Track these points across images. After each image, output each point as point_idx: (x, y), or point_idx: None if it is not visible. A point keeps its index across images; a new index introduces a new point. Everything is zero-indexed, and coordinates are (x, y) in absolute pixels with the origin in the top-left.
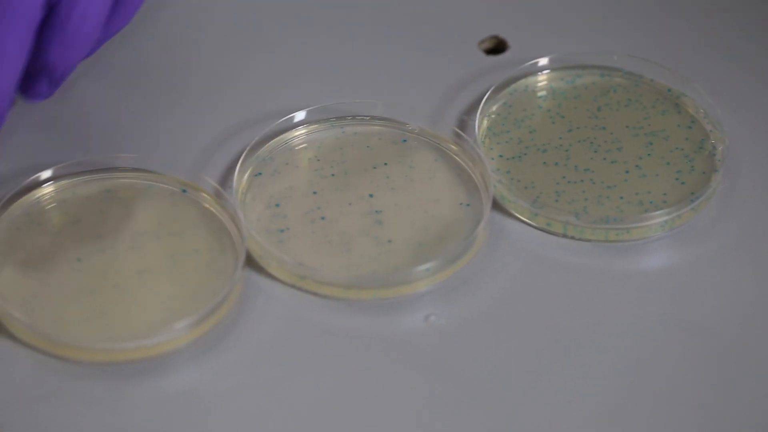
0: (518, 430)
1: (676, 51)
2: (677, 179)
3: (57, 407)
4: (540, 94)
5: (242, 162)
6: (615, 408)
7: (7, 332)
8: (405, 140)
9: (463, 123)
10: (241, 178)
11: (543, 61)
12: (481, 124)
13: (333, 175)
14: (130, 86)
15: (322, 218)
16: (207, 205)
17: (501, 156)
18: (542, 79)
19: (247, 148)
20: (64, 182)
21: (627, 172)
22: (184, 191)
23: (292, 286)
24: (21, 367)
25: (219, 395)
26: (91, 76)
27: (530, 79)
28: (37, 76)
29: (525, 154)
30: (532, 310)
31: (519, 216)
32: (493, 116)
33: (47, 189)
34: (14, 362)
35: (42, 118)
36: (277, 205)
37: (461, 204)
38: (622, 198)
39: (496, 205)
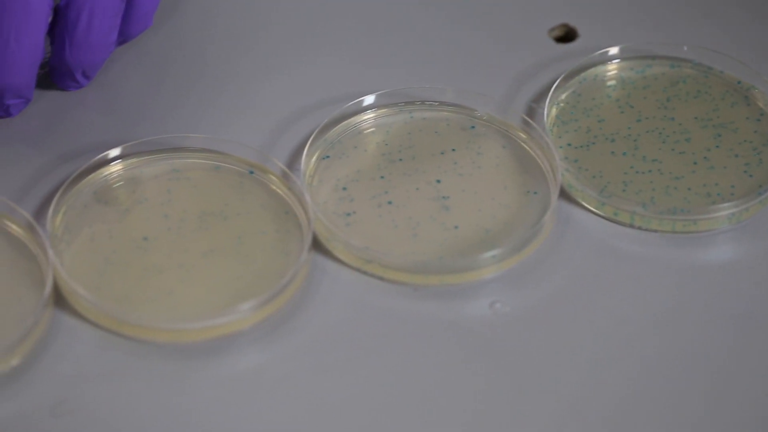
0: (580, 420)
1: (746, 43)
2: (745, 172)
3: (119, 385)
4: (609, 83)
5: (310, 144)
6: (679, 399)
7: (72, 309)
8: (473, 126)
9: (532, 111)
10: (309, 161)
11: (613, 51)
12: (549, 112)
13: (401, 159)
14: (200, 66)
15: (389, 203)
16: (274, 187)
17: (569, 145)
18: (612, 68)
19: (316, 131)
20: (132, 161)
21: (695, 163)
22: (251, 172)
23: (358, 270)
24: (85, 345)
25: (282, 377)
26: (159, 55)
27: (600, 68)
28: (62, 73)
29: (593, 144)
30: (597, 299)
31: (586, 205)
32: (561, 105)
33: (115, 167)
34: (78, 339)
35: (110, 96)
36: (344, 189)
37: (528, 192)
38: (689, 189)
39: (563, 194)
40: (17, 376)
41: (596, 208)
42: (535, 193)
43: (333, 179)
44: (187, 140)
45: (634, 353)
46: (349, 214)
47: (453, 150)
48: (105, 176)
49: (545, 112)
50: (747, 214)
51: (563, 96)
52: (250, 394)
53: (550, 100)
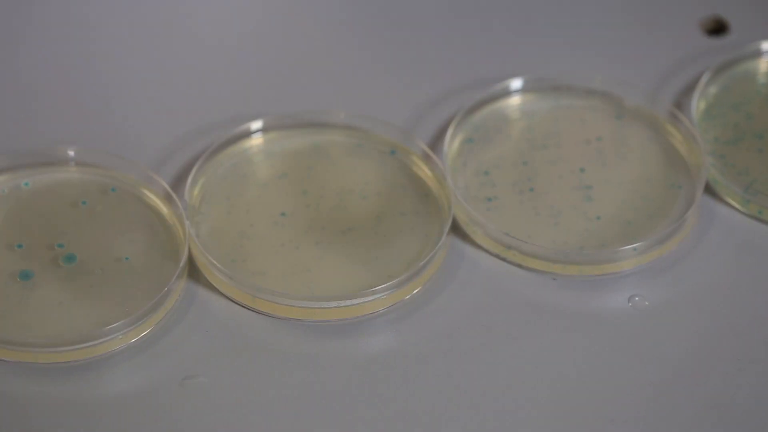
0: (718, 416)
1: None
2: None
3: (250, 361)
4: (761, 79)
5: (455, 127)
6: None
7: (206, 282)
8: (620, 116)
9: (680, 103)
10: (452, 144)
11: (766, 46)
12: (698, 105)
13: (545, 146)
14: (346, 41)
15: (531, 189)
16: (416, 168)
17: (716, 139)
18: (764, 63)
19: (461, 114)
20: (272, 135)
21: None
22: (393, 152)
23: (497, 256)
24: (217, 318)
25: (416, 361)
26: (305, 28)
27: (751, 63)
28: None
29: (741, 139)
30: (738, 297)
31: (730, 201)
32: (710, 98)
33: (256, 140)
34: (211, 312)
35: (251, 67)
36: (487, 173)
37: (672, 185)
38: None
39: (707, 189)
40: (148, 347)
41: (740, 205)
42: (680, 187)
43: (475, 163)
44: (329, 116)
45: None
46: (490, 200)
47: (598, 139)
48: (245, 149)
49: (693, 106)
50: None
51: (712, 90)
52: (383, 375)
53: (699, 93)
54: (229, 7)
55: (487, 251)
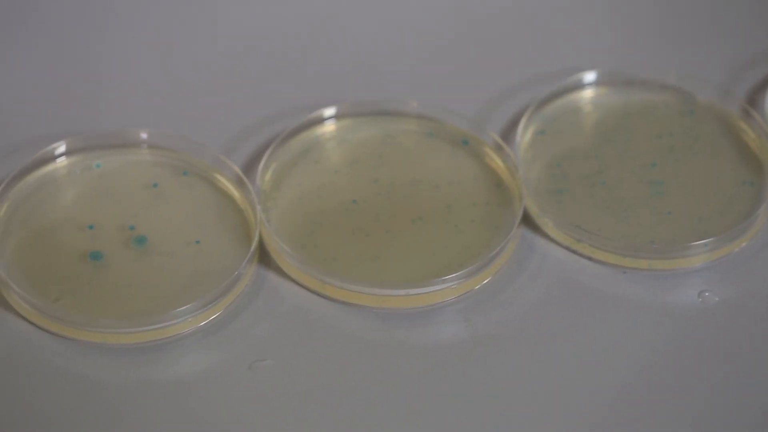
0: None
1: None
2: None
3: (319, 347)
4: None
5: (527, 118)
6: None
7: (276, 267)
8: (692, 112)
9: (753, 100)
10: (524, 135)
11: None
12: None
13: (616, 140)
14: (421, 29)
15: (602, 183)
16: (488, 159)
17: None
18: None
19: (534, 105)
20: (345, 122)
21: None
22: (465, 142)
23: (567, 248)
24: (287, 304)
25: (484, 349)
26: (381, 15)
27: None
28: None
29: None
30: None
31: None
32: None
33: (328, 127)
34: (281, 298)
35: (325, 54)
36: (558, 165)
37: (744, 182)
38: None
39: None
40: (218, 330)
41: None
42: (751, 184)
43: (547, 155)
44: (402, 105)
45: None
46: (561, 192)
47: (670, 134)
48: (317, 135)
49: (767, 102)
50: None
51: None
52: (451, 365)
53: None
54: None
55: (557, 243)
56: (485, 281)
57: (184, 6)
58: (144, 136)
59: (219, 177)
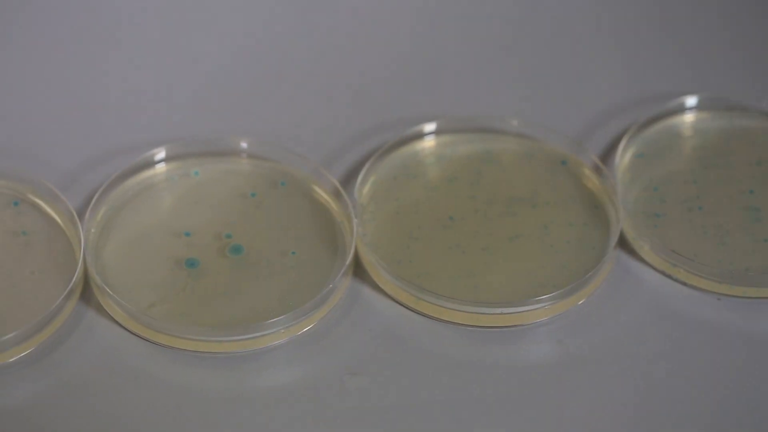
0: None
1: None
2: None
3: (412, 363)
4: None
5: (626, 141)
6: None
7: (371, 281)
8: None
9: None
10: (623, 157)
11: None
12: None
13: (715, 165)
14: (523, 47)
15: (700, 208)
16: (586, 180)
17: None
18: None
19: (634, 128)
20: (445, 138)
21: None
22: (564, 162)
23: (662, 273)
24: (380, 317)
25: (575, 370)
26: (483, 31)
27: None
28: None
29: None
30: None
31: None
32: None
33: (428, 142)
34: (374, 311)
35: (425, 69)
36: (656, 189)
37: None
38: None
39: None
40: (310, 342)
41: None
42: None
43: (645, 178)
44: (502, 123)
45: None
46: (658, 216)
47: None
48: (417, 150)
49: None
50: None
51: None
52: (542, 385)
53: None
54: (407, 7)
55: (652, 267)
56: (579, 302)
57: (290, 14)
58: (243, 145)
59: (317, 188)
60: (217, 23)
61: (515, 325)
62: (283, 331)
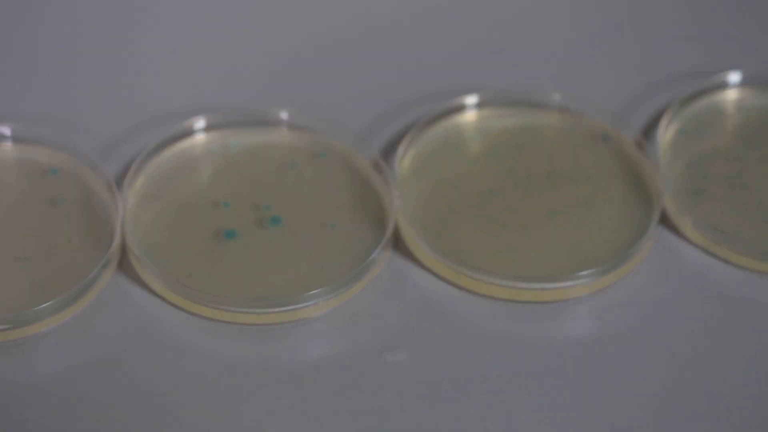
0: None
1: None
2: None
3: (450, 337)
4: None
5: (669, 116)
6: None
7: (410, 254)
8: None
9: None
10: (665, 133)
11: None
12: None
13: (759, 143)
14: (566, 22)
15: (743, 185)
16: (627, 156)
17: None
18: None
19: (676, 104)
20: (486, 111)
21: None
22: (605, 137)
23: (704, 250)
24: (420, 292)
25: (615, 347)
26: (527, 4)
27: None
28: None
29: None
30: None
31: None
32: None
33: (469, 115)
34: (415, 285)
35: (467, 41)
36: (698, 166)
37: None
38: None
39: None
40: (348, 314)
41: None
42: None
43: (687, 155)
44: (544, 97)
45: None
46: (700, 192)
47: None
48: (458, 123)
49: None
50: None
51: None
52: (581, 361)
53: None
54: None
55: (694, 244)
56: (619, 279)
57: None
58: (284, 116)
59: (357, 160)
60: None
61: (555, 301)
62: (322, 303)
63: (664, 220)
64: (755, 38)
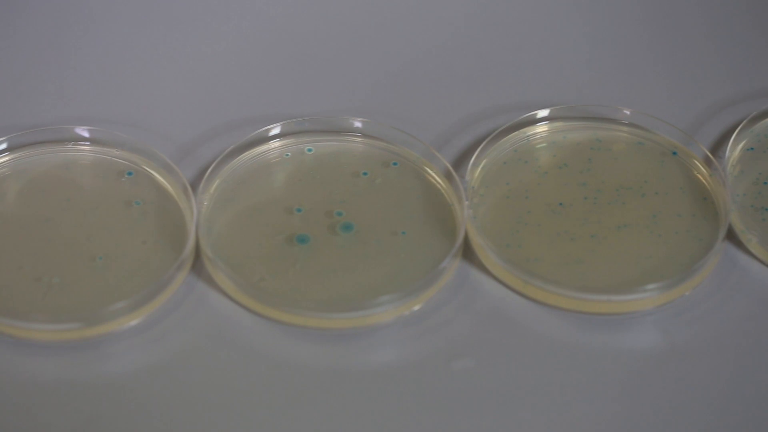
0: None
1: None
2: None
3: (518, 347)
4: None
5: (737, 134)
6: None
7: (480, 264)
8: None
9: None
10: (733, 150)
11: None
12: None
13: None
14: (636, 37)
15: None
16: (695, 172)
17: None
18: None
19: (745, 121)
20: (557, 124)
21: None
22: (674, 153)
23: None
24: (489, 301)
25: (679, 360)
26: (596, 20)
27: None
28: None
29: None
30: None
31: None
32: None
33: (540, 128)
34: (483, 295)
35: (537, 56)
36: (765, 183)
37: None
38: None
39: None
40: (417, 322)
41: None
42: None
43: (755, 172)
44: (614, 112)
45: None
46: (767, 209)
47: None
48: (528, 135)
49: None
50: None
51: None
52: (647, 374)
53: None
54: None
55: (760, 261)
56: (685, 293)
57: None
58: (357, 124)
59: (428, 170)
60: (334, 5)
61: (621, 313)
62: (391, 310)
63: (731, 236)
64: None
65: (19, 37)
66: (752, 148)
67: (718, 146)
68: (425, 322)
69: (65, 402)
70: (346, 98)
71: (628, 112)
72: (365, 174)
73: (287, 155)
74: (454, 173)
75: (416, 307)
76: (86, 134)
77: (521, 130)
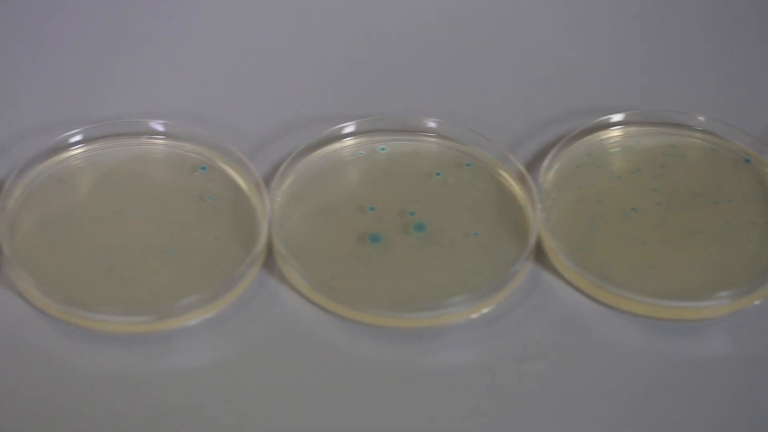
0: None
1: None
2: None
3: (589, 351)
4: None
5: None
6: None
7: (552, 267)
8: None
9: None
10: None
11: None
12: None
13: None
14: (712, 44)
15: None
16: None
17: None
18: None
19: None
20: (631, 129)
21: None
22: (747, 161)
23: None
24: (560, 304)
25: (748, 369)
26: (671, 25)
27: None
28: None
29: None
30: None
31: None
32: None
33: (613, 132)
34: (555, 298)
35: (612, 59)
36: None
37: None
38: None
39: None
40: (488, 323)
41: None
42: None
43: None
44: (688, 118)
45: None
46: None
47: None
48: (601, 139)
49: None
50: None
51: None
52: (717, 381)
53: None
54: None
55: None
56: (757, 302)
57: None
58: (431, 124)
59: (502, 172)
60: (411, 5)
61: (692, 320)
62: (462, 311)
63: None
64: None
65: (97, 30)
66: None
67: None
68: (497, 324)
69: (135, 395)
70: (421, 98)
71: (702, 119)
72: (438, 174)
73: (360, 154)
74: (527, 176)
75: (488, 309)
76: (160, 128)
77: (595, 134)
